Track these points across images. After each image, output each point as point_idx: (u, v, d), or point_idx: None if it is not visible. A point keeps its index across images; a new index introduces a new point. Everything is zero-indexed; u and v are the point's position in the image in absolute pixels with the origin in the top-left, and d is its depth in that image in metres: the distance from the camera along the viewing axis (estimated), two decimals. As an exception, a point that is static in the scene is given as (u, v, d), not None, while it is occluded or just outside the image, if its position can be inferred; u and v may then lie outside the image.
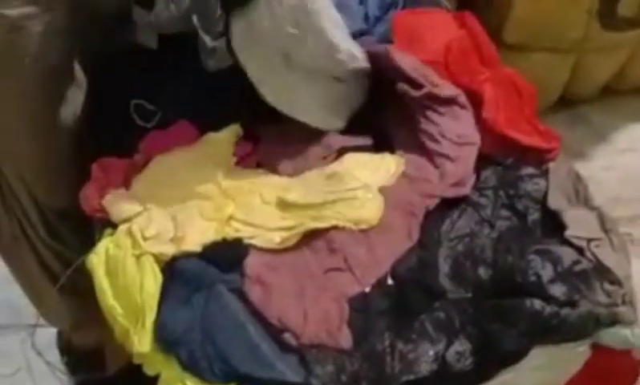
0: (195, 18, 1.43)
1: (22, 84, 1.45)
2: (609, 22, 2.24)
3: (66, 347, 1.75)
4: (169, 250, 1.36)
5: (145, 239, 1.37)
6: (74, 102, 1.53)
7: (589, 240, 1.29)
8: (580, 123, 2.44)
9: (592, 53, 2.31)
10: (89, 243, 1.42)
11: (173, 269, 1.34)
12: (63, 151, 1.53)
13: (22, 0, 1.40)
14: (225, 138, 1.53)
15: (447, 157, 1.45)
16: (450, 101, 1.50)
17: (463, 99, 1.50)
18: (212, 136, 1.53)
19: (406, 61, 1.52)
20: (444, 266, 1.32)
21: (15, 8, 1.39)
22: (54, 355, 1.74)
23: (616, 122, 2.44)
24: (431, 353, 1.23)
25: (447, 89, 1.50)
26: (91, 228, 1.47)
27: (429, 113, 1.49)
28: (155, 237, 1.38)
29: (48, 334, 1.74)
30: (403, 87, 1.50)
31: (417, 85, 1.49)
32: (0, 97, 1.46)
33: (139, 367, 1.32)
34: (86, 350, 1.70)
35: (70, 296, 1.56)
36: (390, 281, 1.33)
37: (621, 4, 2.21)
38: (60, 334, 1.76)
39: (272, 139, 1.54)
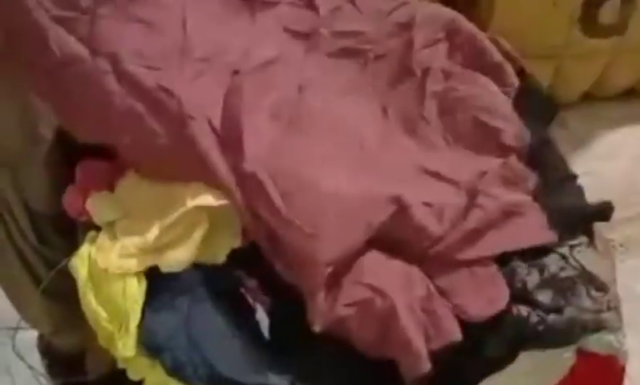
0: None
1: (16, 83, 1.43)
2: (590, 29, 2.26)
3: (46, 351, 1.74)
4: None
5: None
6: None
7: (572, 246, 1.30)
8: (559, 129, 2.45)
9: (572, 59, 2.33)
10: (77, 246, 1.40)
11: (157, 273, 1.32)
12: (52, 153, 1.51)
13: None
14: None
15: None
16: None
17: None
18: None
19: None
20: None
21: None
22: (36, 358, 1.72)
23: (595, 128, 2.46)
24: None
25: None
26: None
27: None
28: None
29: (29, 337, 1.72)
30: None
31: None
32: None
33: (120, 373, 1.31)
34: (67, 354, 1.69)
35: (54, 299, 1.54)
36: None
37: (602, 11, 2.23)
38: (41, 337, 1.74)
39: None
